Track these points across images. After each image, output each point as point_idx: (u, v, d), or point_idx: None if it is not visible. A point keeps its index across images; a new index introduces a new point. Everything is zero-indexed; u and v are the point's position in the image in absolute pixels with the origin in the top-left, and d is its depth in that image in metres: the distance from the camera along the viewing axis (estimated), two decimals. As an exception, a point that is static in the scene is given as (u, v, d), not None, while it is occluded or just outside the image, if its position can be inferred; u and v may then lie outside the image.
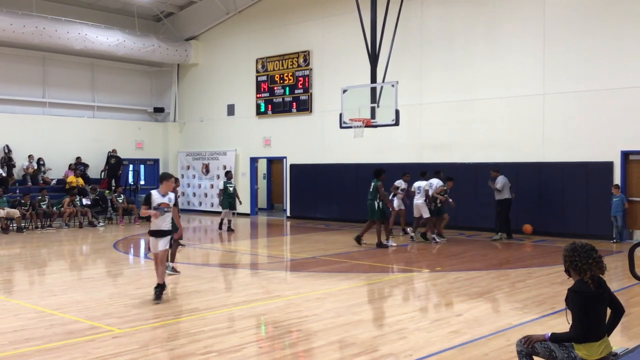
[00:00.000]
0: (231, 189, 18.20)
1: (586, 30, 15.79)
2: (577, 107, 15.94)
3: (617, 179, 15.26)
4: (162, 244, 8.79)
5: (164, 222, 8.80)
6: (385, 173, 14.71)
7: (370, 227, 14.63)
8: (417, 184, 15.79)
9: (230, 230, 18.09)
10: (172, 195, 8.93)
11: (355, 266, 12.06)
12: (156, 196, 8.78)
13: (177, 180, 14.80)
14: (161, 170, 26.07)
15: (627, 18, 15.21)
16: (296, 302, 8.79)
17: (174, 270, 10.90)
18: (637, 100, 14.97)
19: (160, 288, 8.75)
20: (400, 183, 16.64)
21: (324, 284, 10.37)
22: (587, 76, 15.75)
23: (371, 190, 14.36)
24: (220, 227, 18.44)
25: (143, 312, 8.16)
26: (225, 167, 24.28)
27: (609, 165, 15.42)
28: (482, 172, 17.25)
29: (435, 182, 15.53)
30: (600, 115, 15.56)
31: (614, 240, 14.90)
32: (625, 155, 15.34)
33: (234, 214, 19.13)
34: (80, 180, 21.71)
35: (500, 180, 15.52)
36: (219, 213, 19.26)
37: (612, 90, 15.36)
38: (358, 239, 14.65)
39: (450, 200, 15.59)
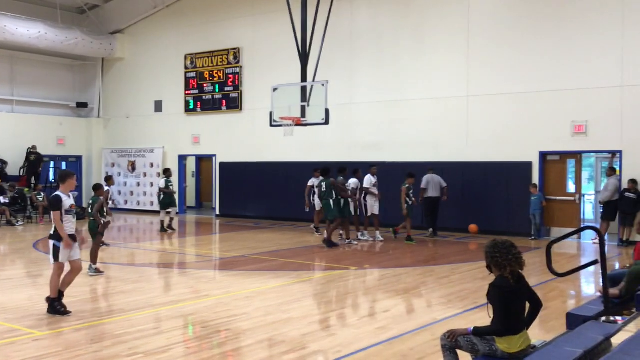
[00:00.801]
0: (172, 187, 17.61)
1: (508, 35, 16.40)
2: (499, 108, 16.52)
3: (535, 179, 15.92)
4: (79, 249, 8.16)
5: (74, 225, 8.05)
6: (330, 171, 14.68)
7: (337, 226, 14.57)
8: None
9: (172, 229, 17.53)
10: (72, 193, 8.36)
11: (285, 264, 12.08)
12: (65, 198, 7.87)
13: (110, 178, 14.45)
14: (84, 167, 25.31)
15: (548, 24, 15.88)
16: (225, 301, 8.73)
17: (97, 271, 10.61)
18: (555, 103, 15.67)
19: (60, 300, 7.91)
20: (312, 182, 16.76)
21: (253, 282, 10.35)
22: (508, 79, 16.35)
23: (324, 189, 14.34)
24: (163, 229, 17.27)
25: (65, 313, 7.89)
26: (152, 165, 23.82)
27: (528, 165, 16.07)
28: (409, 171, 17.59)
29: (353, 181, 15.54)
30: (521, 117, 16.18)
31: (533, 237, 15.53)
32: (544, 155, 16.03)
33: (177, 212, 18.60)
34: (-5, 178, 20.77)
35: (424, 179, 15.94)
36: (147, 212, 18.69)
37: (533, 93, 16.02)
38: (328, 242, 14.11)
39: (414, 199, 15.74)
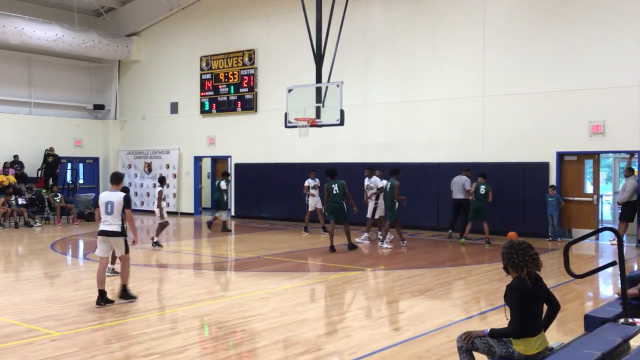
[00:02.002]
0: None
1: (524, 34, 16.28)
2: (515, 109, 16.41)
3: (552, 179, 15.79)
4: None
5: None
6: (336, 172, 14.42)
7: (389, 228, 14.39)
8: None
9: (227, 229, 17.88)
10: None
11: (300, 265, 12.08)
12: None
13: (164, 179, 14.77)
14: (101, 169, 25.54)
15: (563, 25, 15.76)
16: (240, 302, 8.75)
17: (114, 272, 10.66)
18: (572, 103, 15.53)
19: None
20: (309, 182, 16.83)
21: (268, 283, 10.36)
22: (524, 79, 16.24)
23: (337, 192, 13.64)
24: (225, 229, 17.85)
25: (82, 314, 7.96)
26: (168, 166, 23.93)
27: (545, 166, 15.94)
28: (424, 172, 17.58)
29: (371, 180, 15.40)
30: (537, 117, 16.06)
31: (550, 239, 15.41)
32: (561, 156, 15.89)
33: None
34: (12, 178, 20.96)
35: (455, 181, 15.75)
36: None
37: (549, 93, 15.89)
38: (352, 246, 13.87)
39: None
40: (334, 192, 13.66)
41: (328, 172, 14.01)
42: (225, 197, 17.91)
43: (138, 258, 12.94)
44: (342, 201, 13.72)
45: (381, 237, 14.71)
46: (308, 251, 13.93)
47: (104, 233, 8.54)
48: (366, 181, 15.55)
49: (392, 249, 14.05)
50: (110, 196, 8.58)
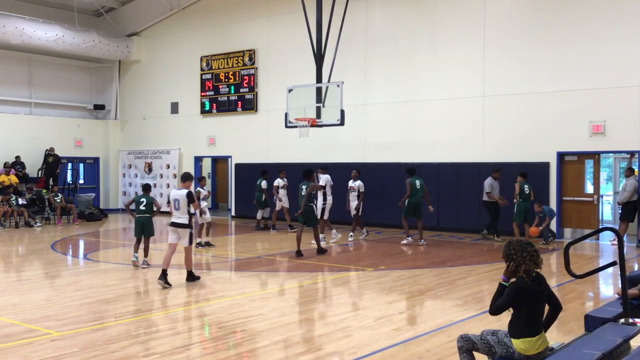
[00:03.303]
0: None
1: (525, 35, 16.27)
2: (516, 109, 16.40)
3: (553, 179, 15.78)
4: None
5: None
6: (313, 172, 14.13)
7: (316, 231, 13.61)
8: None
9: (269, 228, 18.03)
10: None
11: (300, 265, 12.08)
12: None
13: (203, 179, 14.90)
14: (102, 169, 25.57)
15: (563, 25, 15.74)
16: (241, 302, 8.75)
17: (147, 264, 11.53)
18: (573, 103, 15.52)
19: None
20: (278, 182, 17.07)
21: (268, 283, 10.36)
22: (524, 79, 16.22)
23: (303, 193, 13.01)
24: (258, 227, 18.18)
25: (82, 314, 7.97)
26: (168, 166, 23.94)
27: (545, 166, 15.93)
28: (424, 172, 17.56)
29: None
30: (538, 117, 16.05)
31: (544, 242, 15.12)
32: (561, 156, 15.89)
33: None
34: (14, 179, 20.97)
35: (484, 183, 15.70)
36: (163, 213, 18.57)
37: (549, 93, 15.88)
38: (321, 250, 13.32)
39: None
40: (302, 193, 13.03)
41: (303, 172, 13.34)
42: (263, 197, 17.95)
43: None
44: (311, 203, 13.11)
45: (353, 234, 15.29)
46: (308, 251, 13.92)
47: (173, 224, 9.94)
48: (350, 182, 15.65)
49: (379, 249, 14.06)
50: (176, 194, 9.95)
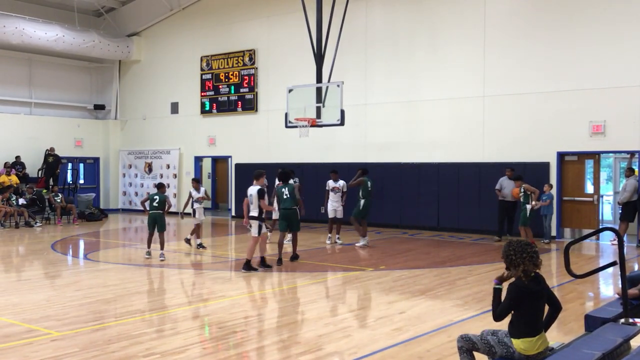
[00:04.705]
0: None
1: (525, 35, 16.27)
2: (516, 109, 16.40)
3: (553, 179, 15.78)
4: None
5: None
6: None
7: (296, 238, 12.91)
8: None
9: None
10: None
11: (300, 265, 12.07)
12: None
13: (195, 180, 14.92)
14: (102, 169, 25.57)
15: (563, 25, 15.74)
16: (241, 302, 8.75)
17: (164, 256, 12.51)
18: (573, 103, 15.53)
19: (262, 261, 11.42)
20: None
21: (268, 283, 10.36)
22: (525, 79, 16.23)
23: (289, 196, 12.07)
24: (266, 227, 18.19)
25: (82, 314, 7.97)
26: (169, 166, 23.94)
27: (545, 166, 15.93)
28: (424, 172, 17.59)
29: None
30: (538, 117, 16.05)
31: (546, 241, 15.18)
32: (561, 156, 15.89)
33: None
34: (14, 179, 20.97)
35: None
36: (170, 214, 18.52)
37: (549, 93, 15.88)
38: (295, 257, 12.59)
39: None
40: (284, 196, 12.08)
41: (281, 175, 12.37)
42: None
43: (140, 258, 12.95)
44: (295, 207, 12.20)
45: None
46: (307, 251, 13.92)
47: (250, 217, 11.15)
48: (332, 183, 15.12)
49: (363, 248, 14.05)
50: (251, 190, 11.21)
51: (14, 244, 15.92)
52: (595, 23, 15.32)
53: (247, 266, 11.05)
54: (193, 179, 15.36)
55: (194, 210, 14.38)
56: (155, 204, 12.72)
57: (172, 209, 14.40)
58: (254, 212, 11.10)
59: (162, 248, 12.66)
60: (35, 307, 8.33)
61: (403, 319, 7.71)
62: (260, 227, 11.10)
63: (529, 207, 14.20)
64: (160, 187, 13.20)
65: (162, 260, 12.32)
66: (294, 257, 12.56)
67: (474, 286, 9.84)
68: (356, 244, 14.58)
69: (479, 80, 16.94)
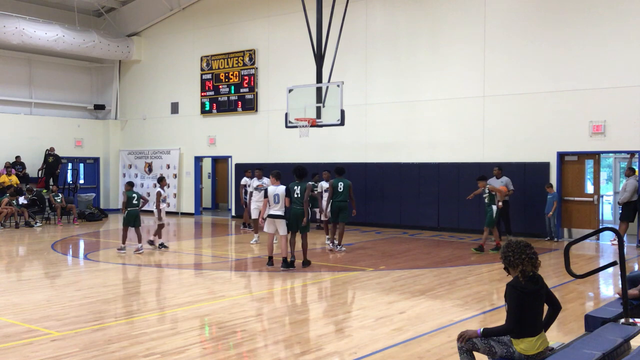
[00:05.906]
0: (316, 189, 15.59)
1: (525, 35, 16.27)
2: (516, 109, 16.40)
3: (553, 179, 15.78)
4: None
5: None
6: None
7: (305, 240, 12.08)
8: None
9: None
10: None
11: (300, 265, 12.06)
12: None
13: (163, 179, 14.80)
14: (102, 169, 25.57)
15: (564, 24, 15.74)
16: (241, 302, 8.75)
17: (158, 246, 13.60)
18: (573, 103, 15.53)
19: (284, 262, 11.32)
20: (245, 181, 16.46)
21: (268, 283, 10.36)
22: (525, 79, 16.23)
23: (299, 195, 11.62)
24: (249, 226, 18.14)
25: (82, 314, 7.97)
26: (169, 166, 23.93)
27: (545, 166, 15.93)
28: (424, 172, 17.59)
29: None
30: (538, 117, 16.05)
31: (547, 238, 15.37)
32: (561, 156, 15.89)
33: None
34: (15, 179, 20.97)
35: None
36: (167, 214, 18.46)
37: (549, 93, 15.89)
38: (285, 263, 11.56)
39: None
40: (295, 195, 11.62)
41: (296, 171, 11.95)
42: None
43: (138, 258, 12.96)
44: (301, 207, 11.59)
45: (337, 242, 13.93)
46: (309, 251, 13.90)
47: (271, 216, 11.28)
48: (255, 182, 15.07)
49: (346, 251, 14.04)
50: (276, 190, 11.29)
51: (14, 244, 15.91)
52: (594, 23, 15.31)
53: (285, 264, 11.26)
54: (161, 178, 14.89)
55: (160, 211, 14.17)
56: (135, 201, 13.46)
57: (146, 207, 14.93)
58: (280, 211, 11.23)
59: (139, 241, 13.46)
60: (35, 307, 8.34)
61: (403, 319, 7.71)
62: (288, 226, 11.38)
63: (494, 207, 13.51)
64: (133, 184, 14.13)
65: (140, 253, 13.15)
66: (284, 262, 11.40)
67: (474, 286, 9.84)
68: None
69: (479, 80, 16.94)
